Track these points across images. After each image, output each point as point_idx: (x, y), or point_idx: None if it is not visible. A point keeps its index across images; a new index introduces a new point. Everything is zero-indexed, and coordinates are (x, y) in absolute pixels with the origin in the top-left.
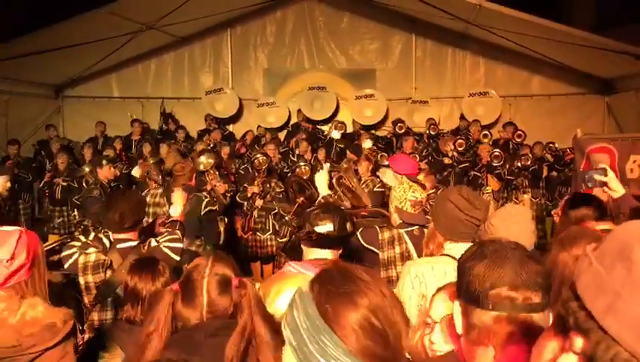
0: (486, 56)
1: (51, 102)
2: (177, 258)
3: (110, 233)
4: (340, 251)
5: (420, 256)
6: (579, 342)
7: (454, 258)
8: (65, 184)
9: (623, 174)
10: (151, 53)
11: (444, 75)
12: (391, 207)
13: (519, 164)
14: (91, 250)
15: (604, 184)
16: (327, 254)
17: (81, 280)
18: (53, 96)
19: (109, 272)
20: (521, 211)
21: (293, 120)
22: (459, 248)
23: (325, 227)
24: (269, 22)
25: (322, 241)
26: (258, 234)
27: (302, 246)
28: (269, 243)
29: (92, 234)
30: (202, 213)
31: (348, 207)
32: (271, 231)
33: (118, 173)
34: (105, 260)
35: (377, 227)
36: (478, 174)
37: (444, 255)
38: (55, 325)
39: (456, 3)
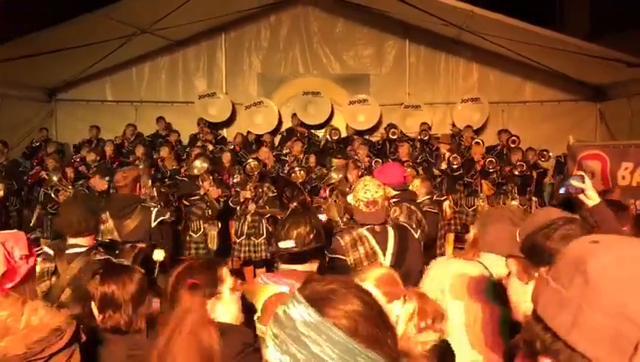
0: (479, 62)
1: (44, 106)
2: None
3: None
4: (317, 263)
5: (384, 251)
6: None
7: (484, 265)
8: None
9: (614, 181)
10: (145, 56)
11: (438, 81)
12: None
13: (516, 172)
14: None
15: (582, 191)
16: (298, 266)
17: None
18: (47, 100)
19: (54, 278)
20: (495, 212)
21: (285, 123)
22: (492, 258)
23: (286, 243)
24: (263, 26)
25: (288, 257)
26: (252, 238)
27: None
28: (262, 247)
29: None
30: (153, 225)
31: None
32: (264, 236)
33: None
34: (49, 268)
35: (337, 236)
36: (471, 180)
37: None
38: (60, 328)
39: (449, 9)
